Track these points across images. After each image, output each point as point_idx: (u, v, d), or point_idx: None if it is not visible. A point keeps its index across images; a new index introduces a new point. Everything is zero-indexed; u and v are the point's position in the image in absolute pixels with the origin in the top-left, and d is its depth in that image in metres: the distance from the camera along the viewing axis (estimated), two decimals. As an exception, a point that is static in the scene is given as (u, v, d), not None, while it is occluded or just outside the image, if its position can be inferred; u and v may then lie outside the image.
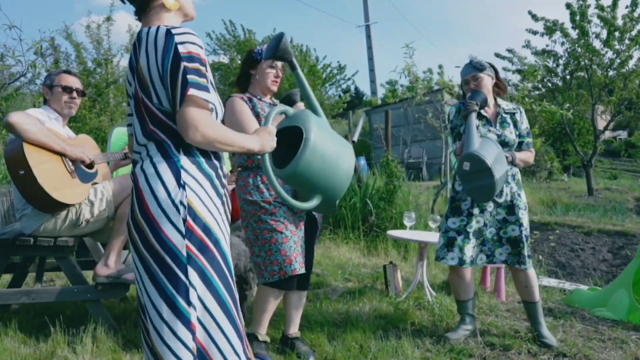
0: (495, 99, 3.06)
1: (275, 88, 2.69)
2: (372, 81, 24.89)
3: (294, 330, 2.74)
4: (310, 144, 1.66)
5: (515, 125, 3.01)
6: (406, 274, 4.59)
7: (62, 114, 2.88)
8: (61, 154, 2.67)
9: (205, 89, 1.47)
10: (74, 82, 2.90)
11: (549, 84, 12.22)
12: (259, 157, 1.87)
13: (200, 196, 1.50)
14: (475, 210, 2.92)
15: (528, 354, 2.77)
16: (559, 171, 16.79)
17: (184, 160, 1.51)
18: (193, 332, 1.45)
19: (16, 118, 2.51)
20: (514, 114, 3.03)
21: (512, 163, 2.91)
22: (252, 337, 2.55)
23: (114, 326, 2.84)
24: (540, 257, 5.84)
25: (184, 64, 1.44)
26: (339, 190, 1.75)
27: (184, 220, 1.46)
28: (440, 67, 8.27)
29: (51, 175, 2.57)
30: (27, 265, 3.45)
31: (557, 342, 2.88)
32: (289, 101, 2.57)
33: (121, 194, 2.80)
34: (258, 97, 2.65)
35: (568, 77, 11.93)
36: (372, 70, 24.79)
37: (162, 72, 1.47)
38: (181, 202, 1.46)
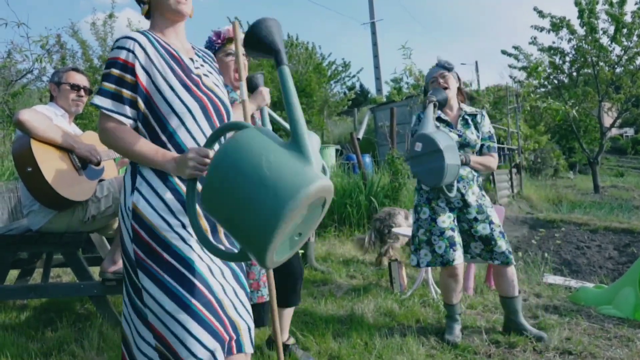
0: (458, 103, 3.09)
1: (237, 84, 2.34)
2: (377, 78, 24.83)
3: (285, 336, 2.65)
4: (210, 173, 1.24)
5: (477, 128, 3.02)
6: (411, 271, 4.58)
7: (69, 111, 2.89)
8: (69, 151, 2.69)
9: (108, 94, 1.50)
10: (82, 80, 2.91)
11: (555, 81, 12.17)
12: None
13: (149, 200, 1.49)
14: (451, 206, 2.93)
15: (533, 351, 2.77)
16: (564, 169, 16.73)
17: (144, 166, 1.54)
18: (152, 331, 1.48)
19: (26, 115, 2.53)
20: (475, 116, 3.04)
21: (466, 164, 2.89)
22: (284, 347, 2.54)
23: (120, 322, 2.86)
24: (546, 254, 5.82)
25: (103, 71, 1.53)
26: (253, 240, 1.18)
27: (131, 225, 1.50)
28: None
29: (58, 172, 2.58)
30: (34, 261, 3.47)
31: (545, 335, 2.88)
32: (251, 85, 2.25)
33: (127, 190, 2.80)
34: (228, 88, 2.34)
35: (574, 74, 11.86)
36: (377, 67, 24.71)
37: None
38: (128, 207, 1.51)
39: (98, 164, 2.86)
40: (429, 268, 3.82)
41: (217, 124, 1.62)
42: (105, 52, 8.59)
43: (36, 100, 7.78)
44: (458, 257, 2.85)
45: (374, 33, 24.86)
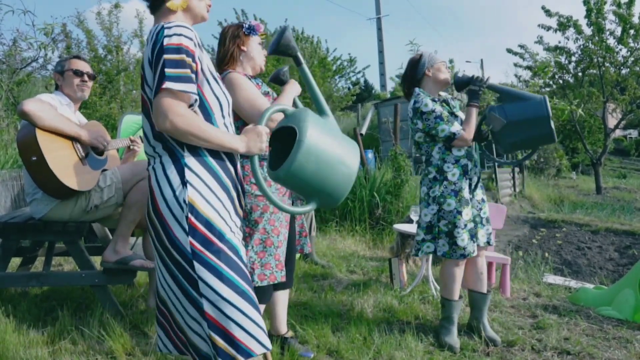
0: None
1: (264, 68, 2.46)
2: (382, 74, 24.80)
3: (284, 329, 2.66)
4: (303, 146, 1.55)
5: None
6: (411, 268, 4.59)
7: (74, 98, 2.90)
8: (75, 139, 2.70)
9: (185, 79, 1.48)
10: (85, 66, 2.93)
11: (560, 81, 12.14)
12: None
13: (202, 193, 1.54)
14: (470, 197, 2.87)
15: (532, 350, 2.78)
16: (567, 169, 16.69)
17: (189, 159, 1.55)
18: (208, 321, 1.52)
19: (30, 106, 2.53)
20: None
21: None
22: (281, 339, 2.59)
23: (120, 311, 2.88)
24: (547, 254, 5.82)
25: (164, 56, 1.47)
26: (337, 194, 1.64)
27: (187, 218, 1.51)
28: (450, 61, 8.22)
29: (63, 162, 2.59)
30: (36, 249, 3.49)
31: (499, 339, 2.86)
32: (278, 82, 2.37)
33: (130, 180, 2.82)
34: (249, 76, 2.35)
35: (580, 74, 11.83)
36: (382, 63, 24.68)
37: (151, 65, 1.52)
38: (184, 201, 1.52)
39: (101, 152, 2.87)
40: (429, 264, 3.83)
41: (231, 119, 1.71)
42: (110, 42, 8.58)
43: (41, 89, 7.77)
44: (475, 249, 2.81)
45: (379, 29, 24.81)
